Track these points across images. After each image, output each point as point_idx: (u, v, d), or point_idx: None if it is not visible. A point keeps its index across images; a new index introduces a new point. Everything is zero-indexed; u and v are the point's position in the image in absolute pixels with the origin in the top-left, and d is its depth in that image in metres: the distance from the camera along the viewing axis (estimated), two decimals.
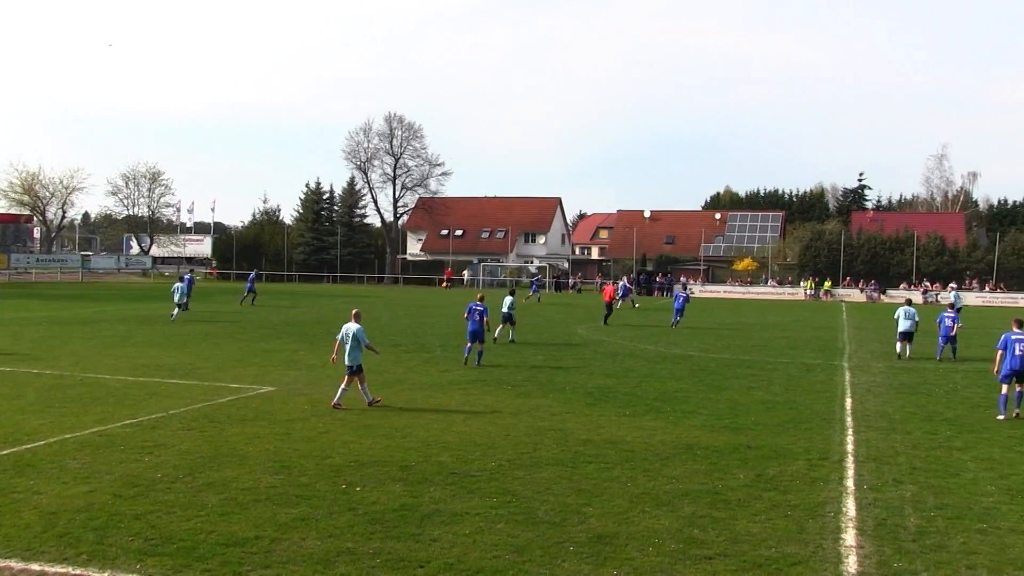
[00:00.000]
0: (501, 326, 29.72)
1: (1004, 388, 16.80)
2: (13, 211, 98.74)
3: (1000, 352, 17.00)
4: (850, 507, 10.42)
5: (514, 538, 9.09)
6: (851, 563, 8.56)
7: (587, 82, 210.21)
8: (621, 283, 58.15)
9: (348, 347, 16.58)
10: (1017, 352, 16.58)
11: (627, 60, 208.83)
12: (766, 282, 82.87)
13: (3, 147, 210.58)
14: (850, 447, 13.82)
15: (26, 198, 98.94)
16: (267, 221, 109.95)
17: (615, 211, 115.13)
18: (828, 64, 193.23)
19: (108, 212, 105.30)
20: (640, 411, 16.70)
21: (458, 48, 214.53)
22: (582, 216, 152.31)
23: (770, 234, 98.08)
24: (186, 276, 42.62)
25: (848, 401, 18.47)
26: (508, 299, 30.12)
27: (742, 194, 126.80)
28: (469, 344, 23.76)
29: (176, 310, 37.10)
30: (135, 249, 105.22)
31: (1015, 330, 16.88)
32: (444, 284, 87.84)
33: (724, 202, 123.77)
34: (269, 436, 13.87)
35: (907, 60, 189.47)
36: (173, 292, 38.22)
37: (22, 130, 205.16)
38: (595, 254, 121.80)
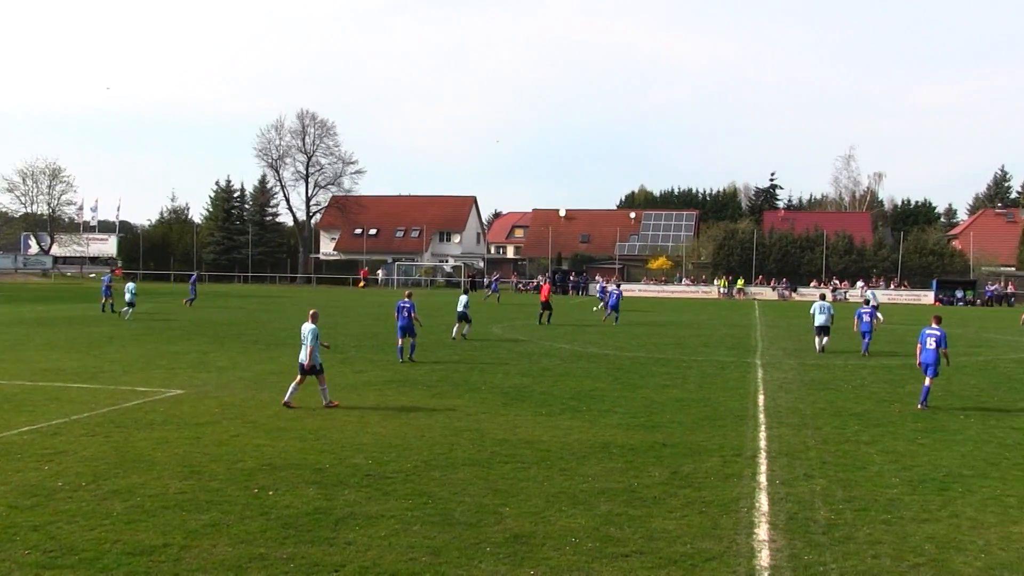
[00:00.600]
0: (457, 324, 30.78)
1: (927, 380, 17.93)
2: None
3: (919, 345, 18.07)
4: (763, 502, 10.66)
5: (430, 540, 9.06)
6: (764, 557, 8.76)
7: (502, 80, 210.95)
8: (600, 285, 58.27)
9: (303, 346, 16.90)
10: (929, 346, 17.70)
11: (542, 59, 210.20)
12: (680, 281, 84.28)
13: None
14: (763, 443, 14.13)
15: None
16: (175, 220, 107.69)
17: (530, 210, 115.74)
18: (741, 65, 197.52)
19: (4, 210, 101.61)
20: (556, 410, 16.81)
21: (371, 45, 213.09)
22: (497, 215, 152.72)
23: (684, 233, 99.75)
24: (105, 276, 42.83)
25: (761, 398, 18.89)
26: (463, 298, 31.10)
27: (656, 193, 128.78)
28: (400, 341, 24.45)
29: (129, 309, 38.76)
30: (34, 248, 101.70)
31: (932, 325, 18.02)
32: (361, 284, 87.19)
33: (639, 201, 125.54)
34: (178, 440, 13.57)
35: (816, 62, 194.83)
36: (124, 292, 39.49)
37: None
38: (510, 253, 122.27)
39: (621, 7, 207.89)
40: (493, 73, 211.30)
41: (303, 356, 16.84)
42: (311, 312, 17.52)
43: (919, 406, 17.57)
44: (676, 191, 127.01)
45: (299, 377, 16.97)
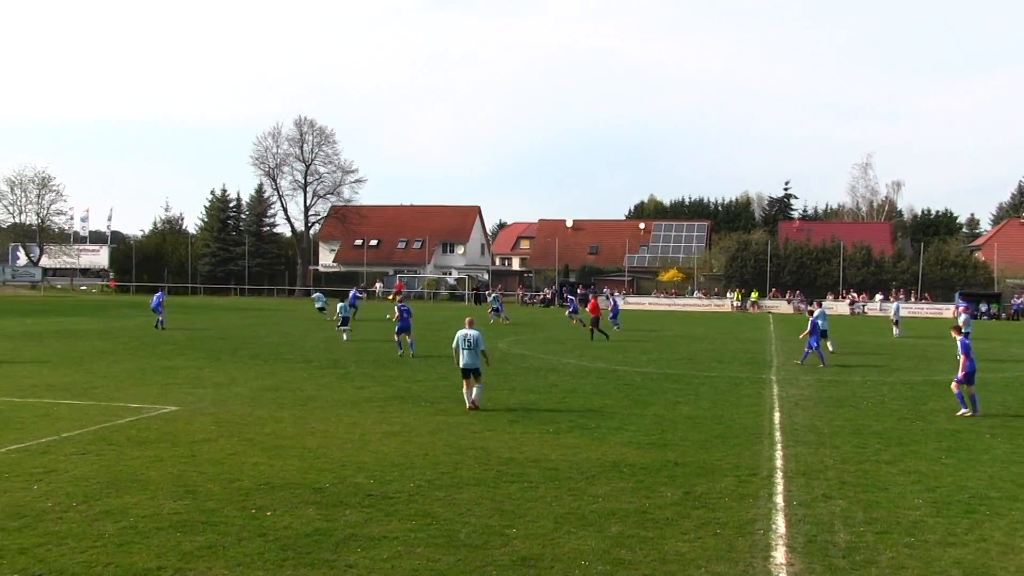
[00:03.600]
0: (345, 328, 37.41)
1: (956, 387, 19.53)
2: None
3: (965, 356, 19.29)
4: (780, 524, 10.61)
5: (434, 562, 9.03)
6: None
7: (505, 87, 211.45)
8: (493, 295, 56.71)
9: (465, 351, 18.62)
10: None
11: (546, 65, 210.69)
12: (692, 293, 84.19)
13: None
14: (779, 462, 14.08)
15: None
16: (169, 230, 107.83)
17: (536, 220, 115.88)
18: (753, 70, 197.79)
19: None
20: (564, 428, 16.78)
21: (371, 50, 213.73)
22: (502, 226, 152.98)
23: (696, 244, 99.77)
24: (158, 295, 44.38)
25: (777, 415, 18.83)
26: (340, 304, 38.65)
27: (667, 203, 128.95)
28: (397, 338, 30.12)
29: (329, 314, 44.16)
30: (23, 260, 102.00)
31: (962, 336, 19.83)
32: (397, 298, 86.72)
33: (649, 211, 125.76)
34: (172, 459, 13.56)
35: (830, 66, 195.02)
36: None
37: None
38: (516, 265, 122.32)
39: (625, 11, 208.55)
40: (496, 79, 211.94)
41: (467, 360, 18.57)
42: (468, 320, 19.54)
43: (968, 412, 18.97)
44: (687, 201, 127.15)
45: (466, 381, 18.78)
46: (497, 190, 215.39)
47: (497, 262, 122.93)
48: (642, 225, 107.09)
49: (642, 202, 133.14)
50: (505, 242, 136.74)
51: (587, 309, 41.72)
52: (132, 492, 11.56)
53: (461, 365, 18.74)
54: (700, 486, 12.38)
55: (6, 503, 10.99)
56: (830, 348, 32.60)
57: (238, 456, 13.87)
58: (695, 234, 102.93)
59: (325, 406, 19.02)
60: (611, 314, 45.26)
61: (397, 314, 30.76)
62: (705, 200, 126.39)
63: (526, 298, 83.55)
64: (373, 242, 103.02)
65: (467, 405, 18.73)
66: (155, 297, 43.94)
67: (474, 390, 18.76)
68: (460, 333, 18.89)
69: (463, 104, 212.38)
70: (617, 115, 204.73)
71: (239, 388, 21.67)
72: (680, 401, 20.63)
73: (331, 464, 13.38)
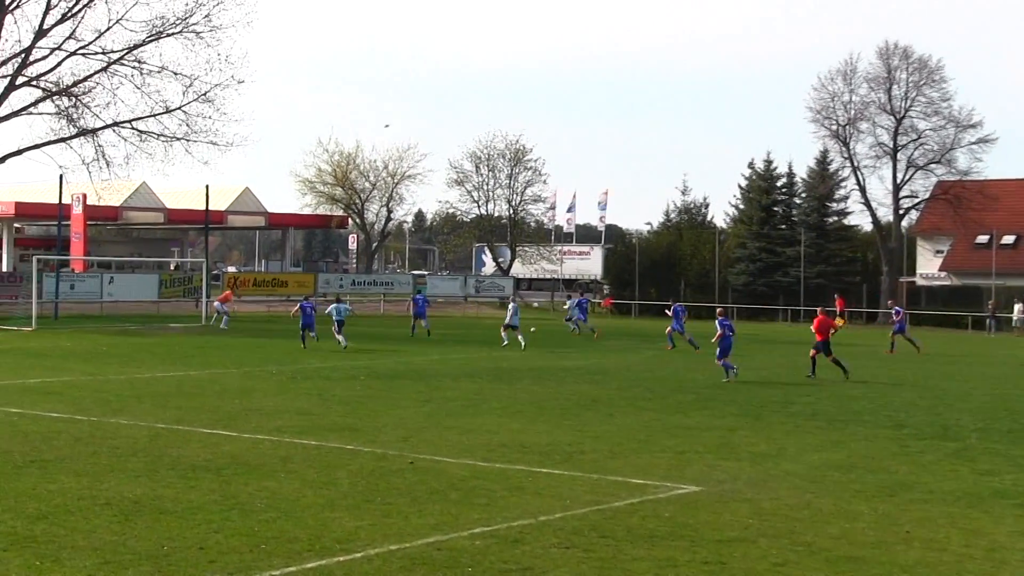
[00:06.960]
0: (340, 337, 47.63)
1: None
2: (321, 211, 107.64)
3: None
4: None
5: None
6: None
7: None
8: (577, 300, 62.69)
9: None
10: None
11: None
12: None
13: (309, 117, 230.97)
14: None
15: (339, 192, 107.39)
16: (687, 224, 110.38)
17: None
18: None
19: (451, 210, 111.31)
20: None
21: None
22: None
23: None
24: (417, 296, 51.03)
25: None
26: (339, 306, 49.42)
27: None
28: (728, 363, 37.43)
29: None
30: (490, 266, 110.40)
31: None
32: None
33: None
34: (691, 565, 14.02)
35: None
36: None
37: (336, 92, 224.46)
38: None
39: None
40: None
41: None
42: None
43: None
44: None
45: None
46: None
47: None
48: None
49: None
50: None
51: (812, 328, 41.68)
52: None
53: None
54: None
55: None
56: None
57: (789, 568, 14.02)
58: None
59: (928, 499, 18.68)
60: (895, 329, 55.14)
61: (720, 331, 38.00)
62: None
63: None
64: (1008, 239, 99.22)
65: None
66: (417, 300, 53.85)
67: None
68: None
69: None
70: None
71: (790, 463, 21.92)
72: None
73: None
